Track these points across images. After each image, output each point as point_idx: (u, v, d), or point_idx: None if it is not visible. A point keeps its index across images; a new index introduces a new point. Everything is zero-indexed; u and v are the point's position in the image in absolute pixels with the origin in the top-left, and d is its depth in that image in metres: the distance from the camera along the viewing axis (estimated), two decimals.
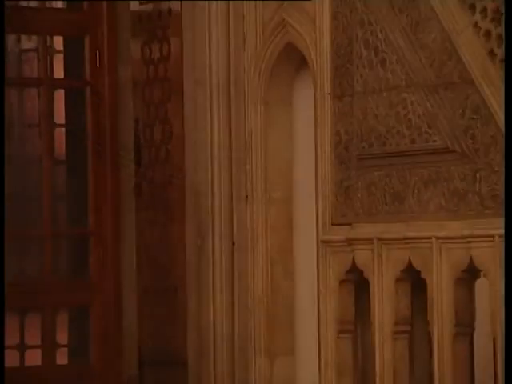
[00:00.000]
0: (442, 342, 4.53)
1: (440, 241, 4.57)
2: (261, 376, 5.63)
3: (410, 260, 4.71)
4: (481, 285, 4.66)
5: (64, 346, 5.95)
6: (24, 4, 6.13)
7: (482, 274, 4.55)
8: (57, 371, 5.90)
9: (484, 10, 4.51)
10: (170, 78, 6.33)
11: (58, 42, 6.09)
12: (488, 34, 4.50)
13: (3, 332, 4.41)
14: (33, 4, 6.07)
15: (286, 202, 5.68)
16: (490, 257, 4.34)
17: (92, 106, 5.95)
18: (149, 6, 6.52)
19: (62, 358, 5.95)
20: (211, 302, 5.77)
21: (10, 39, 6.13)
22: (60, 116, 6.04)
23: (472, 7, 4.57)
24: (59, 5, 6.30)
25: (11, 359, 5.82)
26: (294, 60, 5.55)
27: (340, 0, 5.21)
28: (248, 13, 5.63)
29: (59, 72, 6.15)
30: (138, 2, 6.52)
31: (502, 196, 4.41)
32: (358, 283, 5.11)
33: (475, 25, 4.51)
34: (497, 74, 4.45)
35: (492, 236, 4.25)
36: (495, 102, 4.36)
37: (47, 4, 6.10)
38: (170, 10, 6.26)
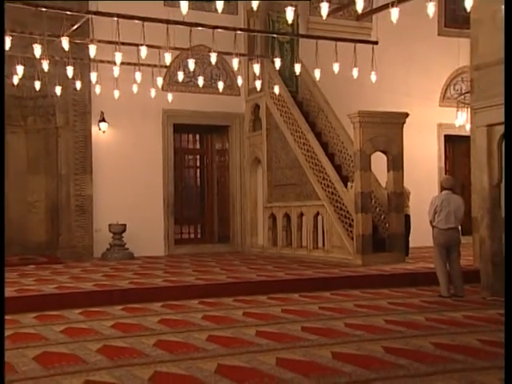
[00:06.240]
0: (295, 234, 15.22)
1: (294, 207, 15.16)
2: (247, 241, 16.63)
3: (286, 212, 15.52)
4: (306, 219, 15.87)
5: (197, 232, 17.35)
6: (184, 147, 17.15)
7: (304, 216, 15.48)
8: (198, 238, 16.95)
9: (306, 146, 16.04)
10: (226, 165, 16.92)
11: (197, 157, 17.32)
12: (310, 155, 15.78)
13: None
14: (190, 146, 16.92)
15: (255, 197, 16.74)
16: (307, 211, 14.85)
17: (207, 177, 17.06)
18: (220, 146, 16.60)
19: (196, 234, 17.19)
20: (237, 219, 16.68)
21: (186, 158, 16.87)
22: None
23: (303, 148, 15.79)
24: (197, 146, 17.17)
25: (189, 235, 16.79)
26: (257, 161, 16.54)
27: (269, 141, 15.87)
28: (245, 151, 16.54)
29: (196, 163, 17.16)
30: (217, 145, 17.07)
31: (311, 195, 15.16)
32: (273, 218, 15.95)
33: (307, 151, 15.67)
34: (315, 177, 14.57)
35: (307, 205, 14.80)
36: (313, 180, 14.60)
37: (196, 147, 17.10)
38: (226, 149, 16.73)
